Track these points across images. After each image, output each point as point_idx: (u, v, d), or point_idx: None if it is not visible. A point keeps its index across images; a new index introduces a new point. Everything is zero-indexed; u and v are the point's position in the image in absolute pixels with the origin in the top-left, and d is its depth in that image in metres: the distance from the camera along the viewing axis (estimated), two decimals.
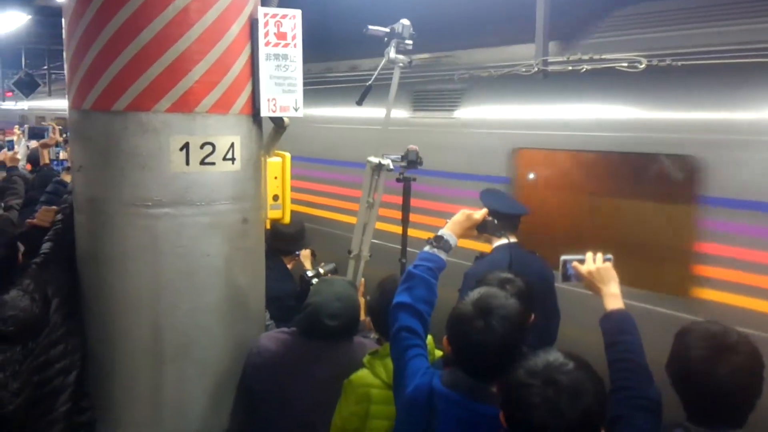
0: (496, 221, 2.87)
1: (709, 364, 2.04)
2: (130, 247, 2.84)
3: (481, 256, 4.04)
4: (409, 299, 2.42)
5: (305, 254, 4.31)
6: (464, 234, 2.71)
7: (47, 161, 5.67)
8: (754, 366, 2.06)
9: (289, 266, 4.32)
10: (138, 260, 2.85)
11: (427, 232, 2.93)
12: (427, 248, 2.59)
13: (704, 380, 2.04)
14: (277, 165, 3.35)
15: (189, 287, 2.88)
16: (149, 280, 2.86)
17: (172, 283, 2.86)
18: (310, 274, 3.83)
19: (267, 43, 3.01)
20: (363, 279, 3.69)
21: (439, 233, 2.63)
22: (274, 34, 3.03)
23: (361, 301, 3.33)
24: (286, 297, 3.84)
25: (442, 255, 2.57)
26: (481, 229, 2.80)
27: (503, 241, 4.10)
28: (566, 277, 2.79)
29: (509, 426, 1.86)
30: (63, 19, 2.99)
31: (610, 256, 2.74)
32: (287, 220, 3.39)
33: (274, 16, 3.02)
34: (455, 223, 2.69)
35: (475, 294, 2.27)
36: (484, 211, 2.79)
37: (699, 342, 2.10)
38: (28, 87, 16.78)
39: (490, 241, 4.10)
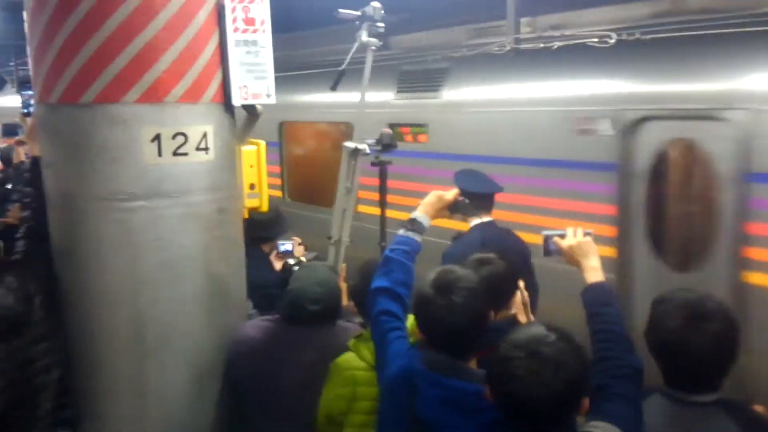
0: (467, 200, 2.89)
1: (686, 333, 2.08)
2: (105, 241, 2.81)
3: (457, 236, 4.06)
4: (387, 283, 2.44)
5: (298, 248, 4.27)
6: (437, 215, 2.73)
7: (22, 159, 5.58)
8: (729, 334, 2.10)
9: (271, 256, 4.28)
10: (115, 254, 2.81)
11: None
12: (401, 231, 2.61)
13: (681, 348, 2.08)
14: (253, 153, 3.31)
15: (168, 279, 2.85)
16: (127, 273, 2.83)
17: (151, 275, 2.83)
18: (291, 261, 3.82)
19: (236, 29, 2.96)
20: (344, 264, 3.69)
21: (412, 216, 2.64)
22: (243, 20, 2.98)
23: (343, 285, 3.34)
24: (268, 285, 3.82)
25: (417, 237, 2.59)
26: (452, 209, 2.81)
27: (479, 220, 4.13)
28: (548, 252, 2.83)
29: (495, 399, 1.89)
30: (24, 12, 2.92)
31: (590, 230, 2.78)
32: (265, 208, 3.37)
33: (241, 1, 2.97)
34: (427, 204, 2.70)
35: (432, 274, 2.29)
36: (455, 191, 2.80)
37: (675, 311, 2.13)
38: None
39: (465, 221, 4.12)
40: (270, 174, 3.96)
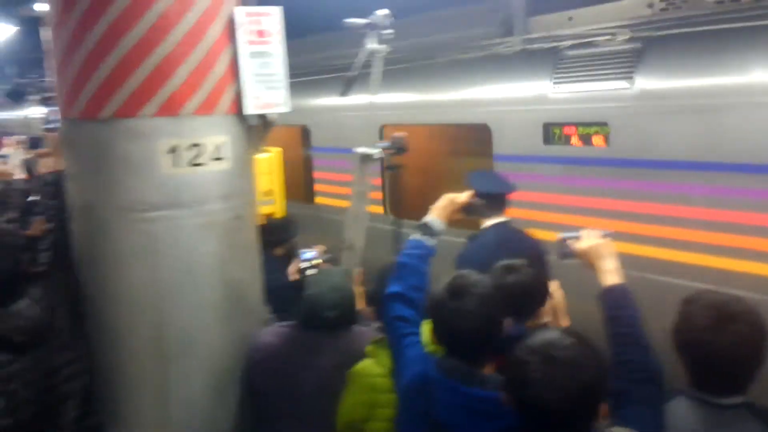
0: (483, 202, 2.87)
1: (712, 333, 2.04)
2: (128, 250, 2.89)
3: (473, 237, 4.08)
4: (401, 288, 2.45)
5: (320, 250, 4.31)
6: (450, 217, 2.74)
7: (44, 170, 5.69)
8: (756, 337, 2.05)
9: (291, 265, 4.31)
10: (137, 263, 2.90)
11: None
12: (414, 235, 2.62)
13: (706, 348, 2.05)
14: (268, 160, 3.39)
15: (188, 286, 2.93)
16: (149, 281, 2.91)
17: (172, 283, 2.91)
18: (305, 265, 3.87)
19: (248, 42, 3.04)
20: (361, 269, 3.72)
21: (425, 220, 2.66)
22: (255, 32, 3.06)
23: (359, 290, 3.38)
24: (282, 288, 3.87)
25: (430, 241, 2.60)
26: (467, 211, 2.82)
27: (494, 220, 4.14)
28: (564, 255, 2.80)
29: (512, 404, 1.88)
30: (47, 30, 3.02)
31: (607, 231, 2.76)
32: (280, 213, 3.44)
33: (253, 14, 3.05)
34: (440, 208, 2.71)
35: (448, 278, 2.31)
36: (469, 192, 2.81)
37: (703, 310, 2.10)
38: (17, 96, 16.82)
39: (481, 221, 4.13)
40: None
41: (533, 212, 4.61)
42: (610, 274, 2.50)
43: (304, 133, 7.23)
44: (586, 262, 2.64)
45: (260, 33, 3.08)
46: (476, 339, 2.21)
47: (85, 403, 2.97)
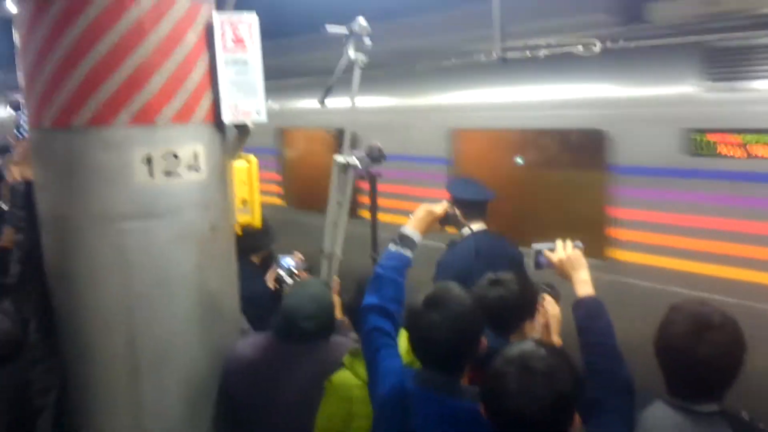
0: (458, 212, 2.88)
1: (690, 341, 2.10)
2: (100, 262, 2.84)
3: (452, 244, 4.09)
4: (378, 300, 2.45)
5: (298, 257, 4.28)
6: (427, 229, 2.74)
7: (16, 177, 5.55)
8: (733, 347, 2.11)
9: (269, 272, 4.28)
10: (109, 275, 2.84)
11: None
12: (391, 247, 2.62)
13: (685, 355, 2.10)
14: (244, 169, 3.36)
15: (162, 298, 2.88)
16: (122, 293, 2.86)
17: (145, 294, 2.86)
18: (283, 273, 3.84)
19: (225, 49, 3.01)
20: (337, 278, 3.71)
21: (402, 231, 2.66)
22: (232, 39, 3.03)
23: (336, 300, 3.36)
24: (259, 297, 3.84)
25: (407, 253, 2.60)
26: (443, 222, 2.83)
27: (473, 227, 4.16)
28: (539, 265, 2.84)
29: (489, 416, 1.91)
30: (17, 36, 2.96)
31: (579, 243, 2.80)
32: (258, 223, 3.41)
33: (230, 21, 3.02)
34: (417, 219, 2.71)
35: (430, 289, 2.31)
36: (445, 204, 2.82)
37: (684, 318, 2.16)
38: None
39: (459, 230, 4.14)
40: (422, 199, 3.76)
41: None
42: (584, 285, 2.55)
43: None
44: (561, 272, 2.68)
45: (237, 40, 3.05)
46: (450, 351, 2.21)
47: (60, 417, 2.91)
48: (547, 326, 2.91)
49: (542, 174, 5.24)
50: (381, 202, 4.00)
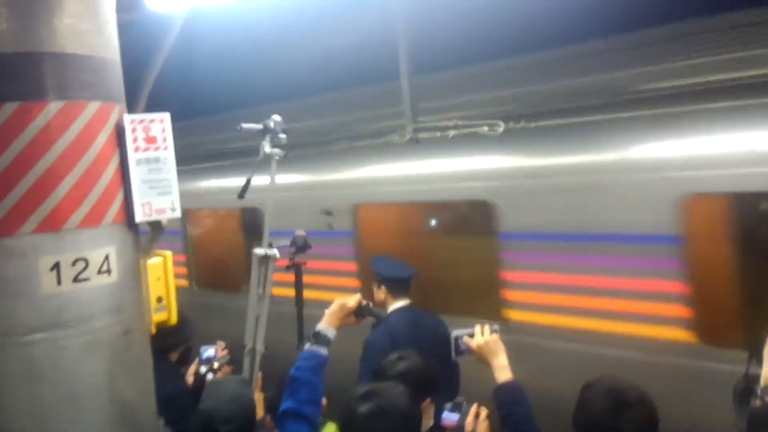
0: (371, 304, 2.98)
1: (612, 417, 2.21)
2: (4, 378, 2.67)
3: (377, 323, 4.14)
4: (293, 405, 2.46)
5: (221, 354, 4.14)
6: (342, 323, 2.78)
7: None
8: (648, 419, 2.25)
9: (191, 366, 4.12)
10: (15, 391, 2.68)
11: None
12: (307, 346, 2.64)
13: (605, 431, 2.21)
14: (159, 265, 3.28)
15: (72, 413, 2.73)
16: (29, 410, 2.69)
17: (54, 410, 2.70)
18: (203, 369, 3.74)
19: (137, 149, 2.97)
20: (260, 373, 3.65)
21: (317, 329, 2.69)
22: (144, 139, 3.00)
23: (259, 396, 3.30)
24: (177, 397, 3.71)
25: (323, 350, 2.62)
26: (358, 315, 2.87)
27: (398, 304, 4.23)
28: (459, 352, 2.92)
29: None
30: None
31: (496, 327, 2.89)
32: (174, 320, 3.32)
33: (141, 122, 3.00)
34: (331, 314, 2.75)
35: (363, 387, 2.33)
36: (357, 296, 2.86)
37: (602, 395, 2.27)
38: None
39: (385, 305, 4.20)
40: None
41: None
42: (502, 371, 2.65)
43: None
44: (480, 357, 2.76)
45: (149, 140, 3.03)
46: None
47: None
48: None
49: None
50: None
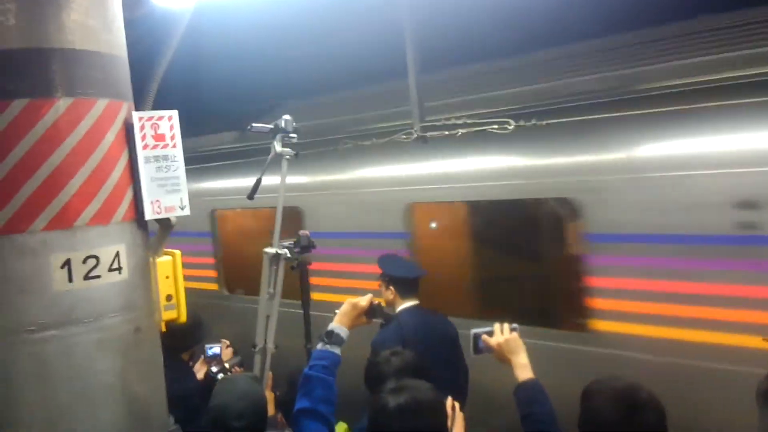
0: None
1: (621, 426, 2.16)
2: (17, 375, 2.67)
3: (384, 324, 4.12)
4: (309, 404, 2.44)
5: (226, 351, 4.15)
6: (354, 323, 2.76)
7: None
8: (660, 421, 2.20)
9: (197, 363, 4.16)
10: (28, 388, 2.67)
11: None
12: (319, 346, 2.62)
13: None
14: (168, 264, 3.28)
15: (85, 410, 2.73)
16: (42, 407, 2.69)
17: (68, 407, 2.70)
18: (215, 369, 3.73)
19: (145, 146, 2.97)
20: (270, 372, 3.64)
21: (330, 328, 2.67)
22: (152, 136, 3.00)
23: (270, 395, 3.28)
24: (189, 396, 3.71)
25: (336, 350, 2.61)
26: (369, 315, 2.85)
27: (407, 304, 4.21)
28: (477, 350, 2.89)
29: None
30: None
31: (515, 325, 2.86)
32: (183, 319, 3.31)
33: (149, 119, 3.00)
34: (343, 314, 2.74)
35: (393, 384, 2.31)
36: (369, 296, 2.85)
37: (609, 403, 2.20)
38: None
39: (393, 305, 4.18)
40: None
41: None
42: (523, 369, 2.61)
43: None
44: (499, 356, 2.73)
45: (157, 137, 3.03)
46: None
47: None
48: None
49: None
50: None
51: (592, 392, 2.29)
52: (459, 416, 2.79)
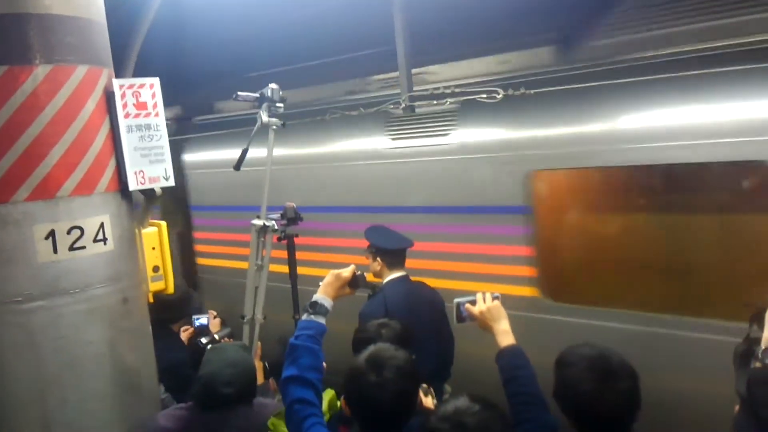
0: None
1: (597, 395, 2.18)
2: (5, 346, 2.67)
3: (372, 295, 4.13)
4: (296, 371, 2.45)
5: (213, 322, 4.16)
6: (338, 294, 2.76)
7: None
8: (634, 387, 2.22)
9: (183, 335, 4.18)
10: (16, 359, 2.67)
11: None
12: (304, 316, 2.63)
13: (594, 408, 2.18)
14: (154, 235, 3.26)
15: (74, 379, 2.73)
16: (31, 377, 2.69)
17: (57, 377, 2.70)
18: (204, 340, 3.74)
19: (127, 115, 2.93)
20: (259, 342, 3.63)
21: (314, 299, 2.68)
22: (134, 104, 2.96)
23: (259, 365, 3.29)
24: (179, 366, 3.72)
25: (321, 320, 2.62)
26: (353, 285, 2.85)
27: (394, 275, 4.21)
28: (460, 319, 2.92)
29: None
30: None
31: (498, 294, 2.89)
32: (171, 290, 3.30)
33: (130, 86, 2.95)
34: (326, 285, 2.74)
35: (367, 350, 2.34)
36: (352, 267, 2.84)
37: (584, 373, 2.22)
38: None
39: (381, 276, 4.19)
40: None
41: None
42: (505, 335, 2.65)
43: None
44: (482, 324, 2.76)
45: (139, 105, 2.99)
46: (393, 411, 2.26)
47: None
48: None
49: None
50: None
51: (566, 362, 2.30)
52: (427, 397, 2.89)
